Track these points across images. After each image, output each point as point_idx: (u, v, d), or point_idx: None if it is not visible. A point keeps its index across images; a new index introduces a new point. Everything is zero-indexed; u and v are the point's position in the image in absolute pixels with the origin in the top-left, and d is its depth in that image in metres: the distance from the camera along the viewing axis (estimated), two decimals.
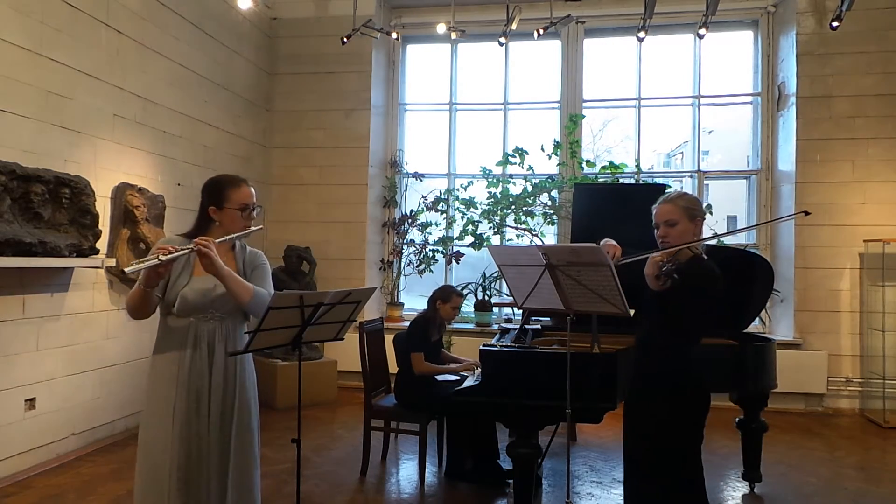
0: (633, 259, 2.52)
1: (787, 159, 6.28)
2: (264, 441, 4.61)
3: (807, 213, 3.05)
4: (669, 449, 2.56)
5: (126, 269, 2.10)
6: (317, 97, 6.92)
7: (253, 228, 2.43)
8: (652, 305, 2.56)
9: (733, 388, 3.85)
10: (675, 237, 2.52)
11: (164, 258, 2.10)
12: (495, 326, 6.46)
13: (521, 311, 4.30)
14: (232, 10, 6.11)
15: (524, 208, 6.63)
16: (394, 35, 6.35)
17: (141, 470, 2.31)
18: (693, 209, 2.54)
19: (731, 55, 6.89)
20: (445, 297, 4.17)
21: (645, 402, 2.58)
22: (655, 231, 2.60)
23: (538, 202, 6.67)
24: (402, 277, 7.01)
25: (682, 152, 8.00)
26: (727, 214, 7.85)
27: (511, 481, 3.77)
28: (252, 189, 2.45)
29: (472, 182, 6.91)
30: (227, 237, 2.34)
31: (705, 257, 2.54)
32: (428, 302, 4.24)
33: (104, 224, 4.41)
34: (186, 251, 2.17)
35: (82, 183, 4.13)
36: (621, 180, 6.61)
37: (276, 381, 5.68)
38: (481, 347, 3.31)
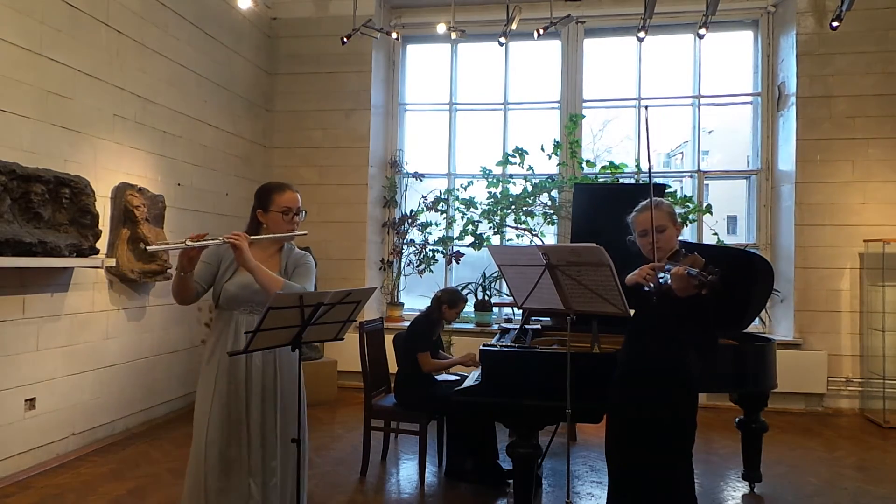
0: (664, 277, 2.50)
1: (787, 159, 6.28)
2: None
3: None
4: (672, 450, 2.57)
5: (148, 247, 2.27)
6: (317, 97, 6.92)
7: (296, 232, 2.57)
8: (669, 311, 2.54)
9: (733, 388, 3.86)
10: (665, 242, 2.59)
11: (190, 243, 2.26)
12: (495, 326, 6.46)
13: (521, 311, 4.30)
14: (232, 10, 6.11)
15: (524, 208, 6.63)
16: (394, 35, 6.35)
17: (192, 448, 2.48)
18: (674, 213, 2.68)
19: (731, 55, 6.89)
20: (452, 303, 4.18)
21: (650, 407, 2.57)
22: (641, 238, 2.64)
23: (538, 202, 6.67)
24: (402, 277, 7.01)
25: (682, 152, 8.00)
26: (727, 214, 7.85)
27: (511, 481, 3.76)
28: (297, 195, 2.59)
29: (472, 182, 6.91)
30: (265, 237, 2.49)
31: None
32: (433, 302, 4.22)
33: (104, 224, 4.41)
34: (217, 241, 2.32)
35: (82, 183, 4.13)
36: (621, 180, 6.61)
37: None
38: (481, 347, 3.31)
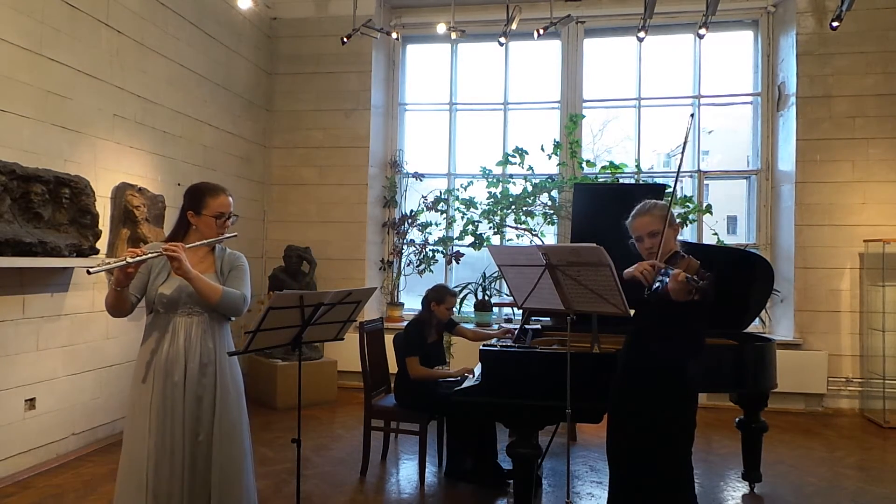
0: (661, 283, 2.47)
1: (787, 159, 6.28)
2: (264, 441, 4.64)
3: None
4: (672, 450, 2.58)
5: (90, 270, 2.16)
6: (317, 97, 6.92)
7: (226, 235, 2.53)
8: (663, 313, 2.54)
9: (733, 389, 3.86)
10: (660, 245, 2.56)
11: (131, 260, 2.21)
12: (495, 326, 6.45)
13: (521, 311, 4.29)
14: (232, 10, 6.11)
15: (524, 208, 6.63)
16: (394, 35, 6.35)
17: (123, 454, 2.42)
18: (669, 216, 2.61)
19: (731, 55, 6.89)
20: (440, 299, 4.15)
21: (650, 407, 2.57)
22: (638, 243, 2.64)
23: (538, 202, 6.66)
24: (402, 277, 7.01)
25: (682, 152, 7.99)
26: (727, 214, 7.84)
27: (511, 481, 3.77)
28: (230, 199, 2.57)
29: (472, 182, 6.91)
30: (199, 243, 2.45)
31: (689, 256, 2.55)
32: (422, 303, 4.22)
33: (104, 224, 4.41)
34: (154, 254, 2.29)
35: (82, 183, 4.13)
36: (621, 180, 6.61)
37: (276, 381, 5.68)
38: (481, 347, 3.31)
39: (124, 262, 2.20)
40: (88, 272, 2.17)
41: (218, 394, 2.43)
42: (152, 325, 2.46)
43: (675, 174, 2.91)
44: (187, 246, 2.37)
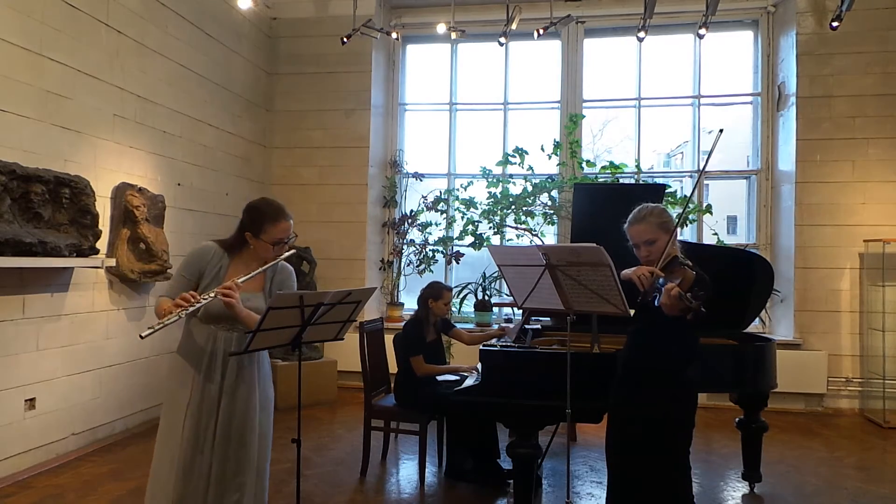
0: (657, 291, 2.45)
1: (787, 159, 6.28)
2: None
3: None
4: (671, 450, 2.58)
5: (143, 335, 2.20)
6: (317, 97, 6.92)
7: (283, 255, 2.53)
8: (656, 316, 2.53)
9: (733, 388, 3.86)
10: (656, 253, 2.55)
11: (183, 314, 2.24)
12: (495, 326, 6.45)
13: (521, 311, 4.30)
14: (232, 10, 6.11)
15: (524, 208, 6.63)
16: (394, 35, 6.35)
17: (155, 461, 2.49)
18: (665, 222, 2.59)
19: (731, 55, 6.89)
20: (436, 295, 4.14)
21: (649, 407, 2.57)
22: (635, 250, 2.63)
23: (538, 202, 6.66)
24: (402, 277, 7.01)
25: (682, 152, 8.00)
26: (727, 214, 7.85)
27: (511, 481, 3.77)
28: (291, 222, 2.54)
29: (472, 182, 6.91)
30: (254, 273, 2.43)
31: (689, 262, 2.52)
32: (418, 302, 4.21)
33: (104, 224, 4.41)
34: (208, 300, 2.29)
35: (82, 183, 4.13)
36: (621, 180, 6.61)
37: (276, 381, 5.59)
38: (481, 347, 3.32)
39: (177, 318, 2.22)
40: (141, 337, 2.21)
41: (254, 404, 2.49)
42: (193, 332, 2.48)
43: (693, 187, 2.87)
44: (241, 281, 2.36)
